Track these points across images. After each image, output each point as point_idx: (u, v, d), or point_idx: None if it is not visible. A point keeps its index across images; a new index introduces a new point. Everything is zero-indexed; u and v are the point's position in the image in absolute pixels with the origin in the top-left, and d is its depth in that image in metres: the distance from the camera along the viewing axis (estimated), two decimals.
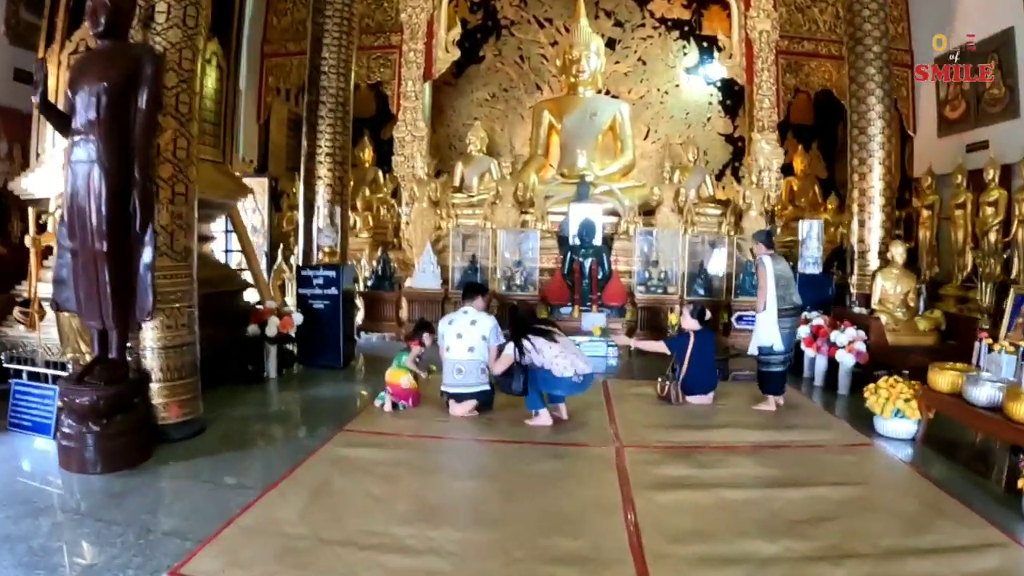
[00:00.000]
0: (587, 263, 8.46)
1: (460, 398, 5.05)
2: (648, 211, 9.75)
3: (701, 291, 8.62)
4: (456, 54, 11.63)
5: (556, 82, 12.62)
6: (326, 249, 7.68)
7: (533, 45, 13.01)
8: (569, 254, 8.62)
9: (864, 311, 6.78)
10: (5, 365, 5.06)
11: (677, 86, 12.89)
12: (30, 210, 5.13)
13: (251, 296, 7.30)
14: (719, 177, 12.23)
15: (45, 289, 4.91)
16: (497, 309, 8.18)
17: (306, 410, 5.66)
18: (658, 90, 12.88)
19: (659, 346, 5.88)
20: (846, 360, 5.98)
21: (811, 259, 7.62)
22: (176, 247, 4.35)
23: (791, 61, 11.10)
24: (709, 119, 12.87)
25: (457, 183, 10.91)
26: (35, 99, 4.04)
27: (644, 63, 12.87)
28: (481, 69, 13.09)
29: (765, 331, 5.35)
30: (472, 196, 10.40)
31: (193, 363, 4.56)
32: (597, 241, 8.75)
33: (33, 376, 4.95)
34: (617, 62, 12.77)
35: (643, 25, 12.83)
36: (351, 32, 8.46)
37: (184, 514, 3.30)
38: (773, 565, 2.88)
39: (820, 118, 12.55)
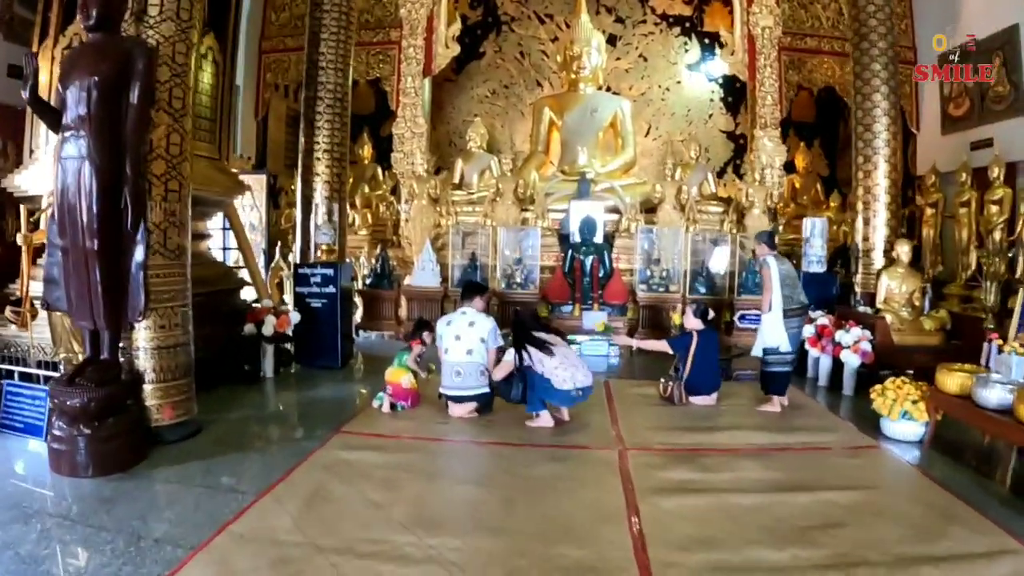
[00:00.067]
0: (588, 261, 8.37)
1: (459, 400, 4.97)
2: (649, 208, 9.68)
3: (703, 289, 8.54)
4: (456, 50, 11.55)
5: (557, 78, 12.54)
6: (324, 247, 7.59)
7: (534, 41, 12.93)
8: (570, 252, 8.53)
9: (869, 310, 6.70)
10: None
11: (678, 83, 12.82)
12: (22, 207, 5.03)
13: (249, 294, 7.22)
14: (720, 174, 12.18)
15: (38, 288, 4.81)
16: (498, 308, 8.12)
17: (303, 411, 5.57)
18: (659, 87, 12.81)
19: (661, 345, 5.80)
20: (851, 360, 5.90)
21: (815, 258, 7.53)
22: (169, 245, 4.25)
23: (794, 58, 11.03)
24: (710, 116, 12.80)
25: (457, 180, 10.83)
26: (25, 94, 3.94)
27: (645, 59, 12.79)
28: (481, 65, 13.01)
29: (771, 332, 5.27)
30: (472, 193, 10.34)
31: (187, 364, 4.47)
32: (598, 239, 8.67)
33: (25, 377, 4.86)
34: (618, 58, 12.70)
35: (644, 21, 12.76)
36: (350, 27, 8.35)
37: (176, 520, 3.22)
38: (782, 574, 2.81)
39: (821, 115, 12.48)
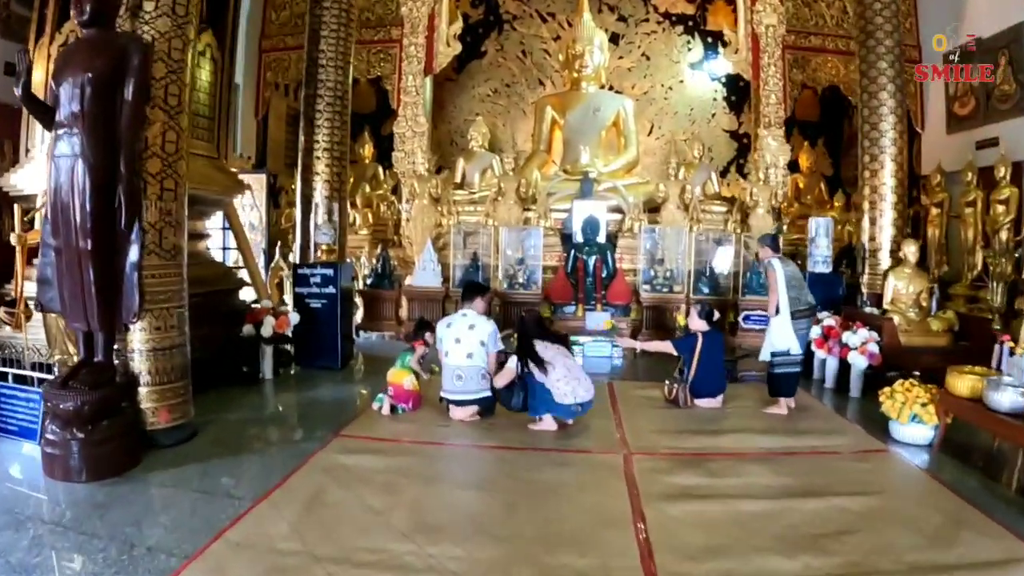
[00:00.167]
0: (591, 261, 8.29)
1: (461, 403, 4.89)
2: (653, 208, 9.59)
3: (707, 290, 8.45)
4: (457, 48, 11.48)
5: (559, 77, 12.47)
6: (324, 247, 7.52)
7: (536, 40, 12.86)
8: (573, 252, 8.45)
9: (876, 311, 6.61)
10: None
11: (681, 82, 12.74)
12: (16, 207, 4.96)
13: (248, 295, 7.14)
14: (723, 174, 12.10)
15: (32, 289, 4.74)
16: (500, 308, 8.04)
17: (302, 413, 5.49)
18: (662, 86, 12.74)
19: (666, 346, 5.72)
20: (858, 362, 5.81)
21: (821, 258, 7.46)
22: (165, 245, 4.17)
23: (798, 56, 10.94)
24: (713, 115, 12.72)
25: (458, 179, 10.76)
26: (17, 91, 3.87)
27: (648, 58, 12.72)
28: (483, 64, 12.93)
29: (780, 335, 5.18)
30: (474, 193, 10.27)
31: (183, 366, 4.39)
32: (601, 239, 8.59)
33: (20, 379, 4.78)
34: (620, 57, 12.62)
35: (647, 20, 12.69)
36: (350, 24, 8.28)
37: (170, 527, 3.14)
38: None
39: (825, 114, 12.40)
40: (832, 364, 6.18)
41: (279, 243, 9.30)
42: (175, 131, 4.19)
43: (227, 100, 6.41)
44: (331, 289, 6.72)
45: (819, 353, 6.25)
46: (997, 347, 4.45)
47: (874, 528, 3.24)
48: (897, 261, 6.93)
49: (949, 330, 6.46)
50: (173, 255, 4.25)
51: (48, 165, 3.84)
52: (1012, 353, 4.29)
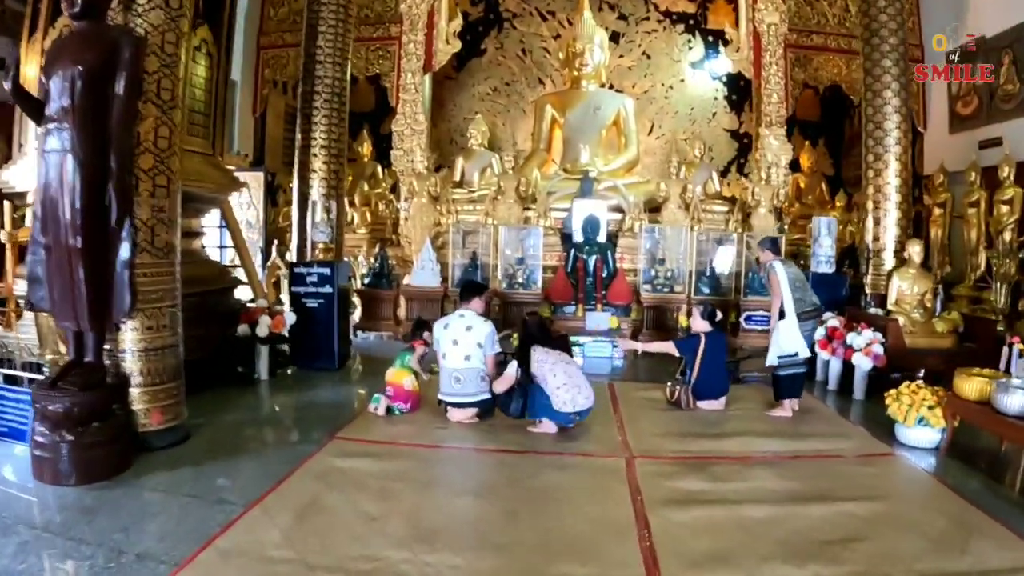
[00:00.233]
0: (591, 261, 8.21)
1: (460, 405, 4.80)
2: (653, 208, 9.52)
3: (708, 290, 8.37)
4: (457, 46, 11.39)
5: (559, 76, 12.39)
6: (321, 245, 7.43)
7: (536, 38, 12.78)
8: (573, 251, 8.37)
9: (880, 312, 6.53)
10: None
11: (682, 81, 12.68)
12: (6, 203, 4.87)
13: (244, 294, 7.04)
14: (724, 173, 12.04)
15: (23, 287, 4.65)
16: (499, 308, 7.96)
17: (298, 415, 5.39)
18: (663, 85, 12.67)
19: (667, 347, 5.64)
20: (863, 363, 5.73)
21: (824, 258, 7.38)
22: (157, 243, 4.07)
23: (799, 55, 10.88)
24: (714, 114, 12.66)
25: (457, 178, 10.68)
26: (7, 84, 3.78)
27: (648, 57, 12.65)
28: (482, 62, 12.85)
29: (787, 338, 5.08)
30: (473, 191, 10.18)
31: (176, 366, 4.30)
32: (601, 238, 8.51)
33: (10, 379, 4.70)
34: (621, 56, 12.54)
35: (647, 18, 12.62)
36: (348, 20, 8.19)
37: (160, 533, 3.04)
38: None
39: (826, 114, 12.33)
40: (836, 366, 6.10)
41: (276, 242, 9.23)
42: (168, 126, 4.10)
43: (223, 96, 6.31)
44: (328, 288, 6.63)
45: (823, 354, 6.17)
46: (1005, 349, 4.37)
47: (882, 534, 3.16)
48: (901, 261, 6.86)
49: (954, 331, 6.38)
50: (166, 253, 4.15)
51: (38, 161, 3.75)
52: (1021, 355, 4.21)
